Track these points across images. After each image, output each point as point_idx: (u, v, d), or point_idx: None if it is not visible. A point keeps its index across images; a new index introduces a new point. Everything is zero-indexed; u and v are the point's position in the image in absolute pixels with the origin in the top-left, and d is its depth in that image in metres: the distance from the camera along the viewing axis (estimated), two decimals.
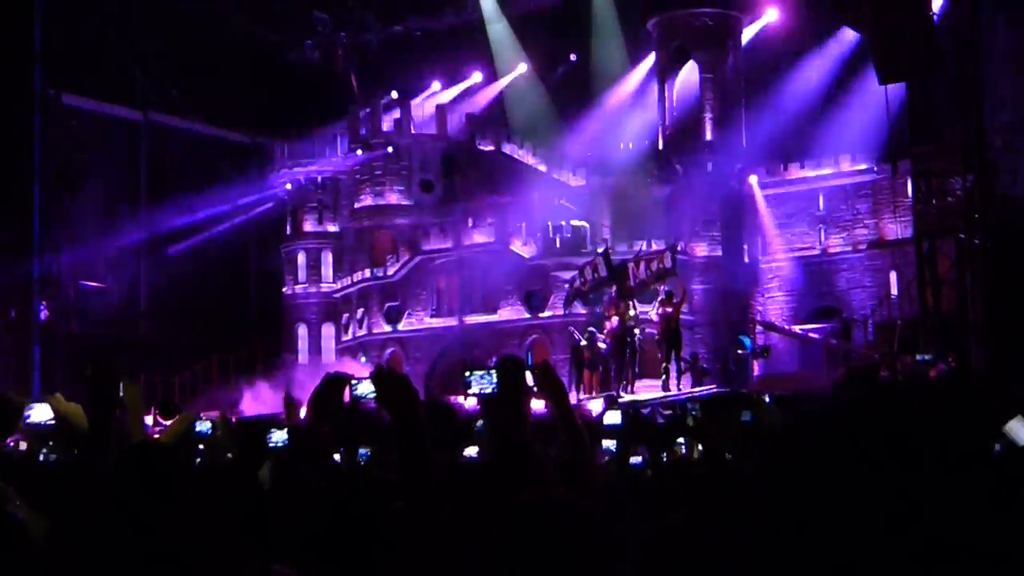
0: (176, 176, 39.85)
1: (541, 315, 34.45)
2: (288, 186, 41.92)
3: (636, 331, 25.57)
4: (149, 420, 11.16)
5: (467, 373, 4.58)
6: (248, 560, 2.70)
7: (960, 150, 23.71)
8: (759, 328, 32.37)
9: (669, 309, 25.59)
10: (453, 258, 35.87)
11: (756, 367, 29.73)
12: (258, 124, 43.03)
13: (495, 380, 4.19)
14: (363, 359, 35.47)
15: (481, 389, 4.37)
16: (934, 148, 25.09)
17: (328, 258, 41.39)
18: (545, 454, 3.83)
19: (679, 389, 25.24)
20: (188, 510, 3.47)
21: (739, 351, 28.86)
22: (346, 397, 3.17)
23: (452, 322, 35.29)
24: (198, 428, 8.28)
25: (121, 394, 8.52)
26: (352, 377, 3.18)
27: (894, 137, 28.72)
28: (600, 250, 29.50)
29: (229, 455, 7.71)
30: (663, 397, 23.74)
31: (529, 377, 4.02)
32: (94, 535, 2.92)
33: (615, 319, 25.52)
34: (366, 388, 3.04)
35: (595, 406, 20.50)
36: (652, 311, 27.04)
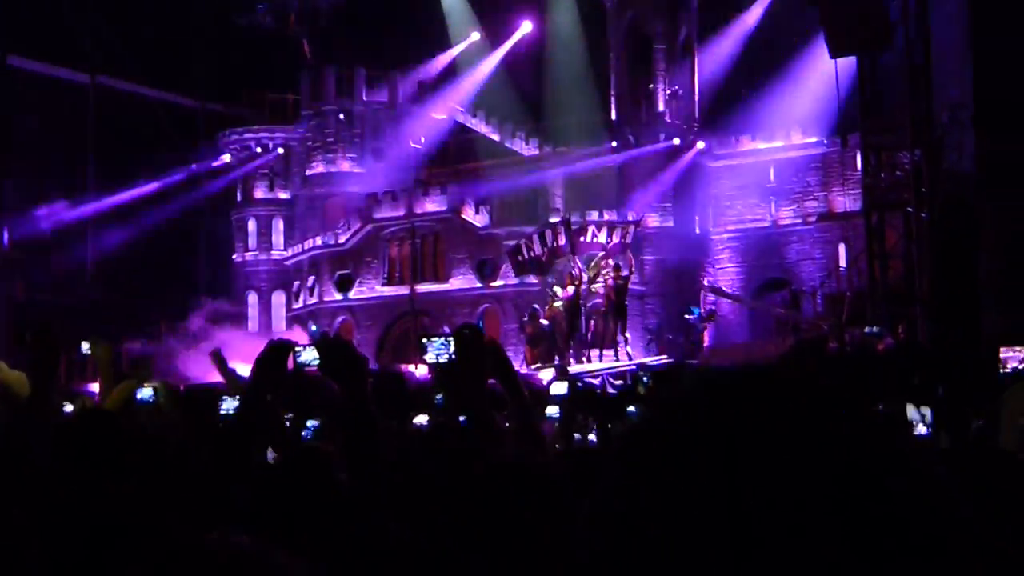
0: (125, 141, 39.18)
1: (493, 284, 34.40)
2: (239, 152, 41.41)
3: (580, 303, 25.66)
4: (95, 387, 10.98)
5: (423, 340, 4.53)
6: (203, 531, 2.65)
7: (909, 125, 23.92)
8: (710, 296, 32.54)
9: (620, 282, 25.64)
10: (405, 226, 35.67)
11: (706, 337, 29.93)
12: (208, 89, 42.41)
13: (452, 348, 4.16)
14: (313, 327, 35.24)
15: (438, 357, 4.33)
16: (883, 122, 25.27)
17: (279, 225, 41.04)
18: (502, 423, 3.82)
19: (629, 359, 25.38)
20: (133, 480, 3.42)
21: (686, 316, 29.06)
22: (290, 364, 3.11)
23: (403, 291, 35.11)
24: (139, 395, 7.91)
25: (88, 351, 8.25)
26: (296, 344, 3.12)
27: (844, 111, 28.90)
28: (554, 220, 29.49)
29: (173, 424, 7.55)
30: (613, 367, 23.87)
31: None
32: (32, 506, 2.86)
33: (570, 288, 25.56)
34: (310, 355, 3.00)
35: (545, 375, 20.62)
36: (597, 285, 27.11)
